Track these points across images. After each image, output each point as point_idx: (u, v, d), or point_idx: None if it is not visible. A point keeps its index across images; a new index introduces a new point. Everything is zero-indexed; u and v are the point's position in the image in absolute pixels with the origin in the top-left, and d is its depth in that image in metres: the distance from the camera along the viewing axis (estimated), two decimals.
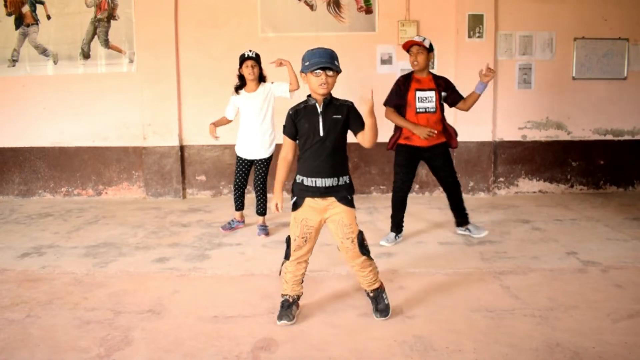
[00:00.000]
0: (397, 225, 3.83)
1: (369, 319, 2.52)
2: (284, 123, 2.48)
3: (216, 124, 4.12)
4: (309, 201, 2.43)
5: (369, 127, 2.31)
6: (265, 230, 4.10)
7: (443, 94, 3.70)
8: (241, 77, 3.96)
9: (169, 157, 5.60)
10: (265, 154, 4.03)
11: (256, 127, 3.97)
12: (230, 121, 4.16)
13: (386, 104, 3.72)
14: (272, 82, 3.99)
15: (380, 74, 5.42)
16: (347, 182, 2.45)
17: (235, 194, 4.20)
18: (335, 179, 2.41)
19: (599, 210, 4.78)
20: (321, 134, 2.39)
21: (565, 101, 5.56)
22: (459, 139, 5.36)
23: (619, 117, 5.61)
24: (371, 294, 2.55)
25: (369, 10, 5.43)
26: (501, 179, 5.64)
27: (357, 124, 2.42)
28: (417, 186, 5.56)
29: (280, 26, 5.48)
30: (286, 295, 2.55)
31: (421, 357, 2.16)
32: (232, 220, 4.21)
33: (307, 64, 2.37)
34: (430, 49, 3.62)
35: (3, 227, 4.51)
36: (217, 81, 5.20)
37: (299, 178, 2.46)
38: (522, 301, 2.70)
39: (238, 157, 4.12)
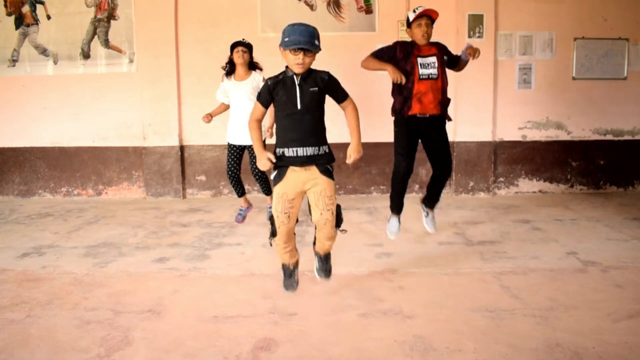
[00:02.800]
0: (399, 207, 3.70)
1: (369, 319, 2.51)
2: (259, 90, 2.49)
3: (213, 114, 4.13)
4: (290, 173, 2.44)
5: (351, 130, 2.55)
6: None
7: (445, 57, 3.54)
8: (231, 63, 3.98)
9: (169, 157, 5.60)
10: None
11: (245, 115, 3.94)
12: (227, 106, 4.14)
13: (373, 54, 3.54)
14: (263, 78, 3.98)
15: (379, 74, 5.41)
16: (327, 150, 2.50)
17: (231, 183, 4.21)
18: (316, 147, 2.43)
19: (599, 210, 4.78)
20: (299, 106, 2.40)
21: (565, 101, 5.56)
22: (459, 138, 5.45)
23: (619, 117, 5.61)
24: (322, 256, 2.64)
25: (369, 10, 5.43)
26: (501, 179, 5.64)
27: (339, 95, 2.50)
28: (417, 186, 5.56)
29: (280, 26, 5.38)
30: (285, 264, 2.62)
31: (421, 357, 2.16)
32: (242, 209, 4.23)
33: (286, 39, 2.36)
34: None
35: (3, 227, 4.51)
36: (217, 81, 5.16)
37: (278, 151, 2.47)
38: (522, 301, 2.70)
39: (229, 144, 4.13)
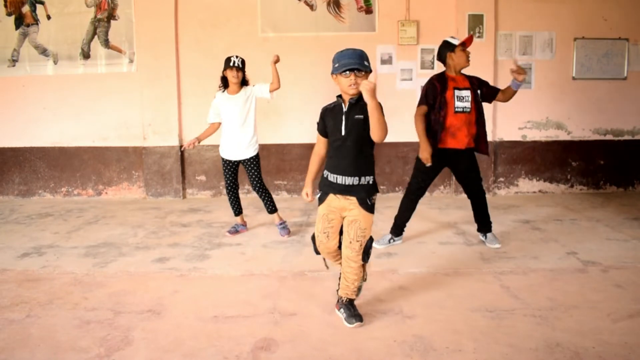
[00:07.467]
0: (398, 228, 3.75)
1: (369, 319, 2.51)
2: (317, 120, 2.54)
3: (201, 138, 4.04)
4: (330, 197, 2.48)
5: (373, 120, 2.24)
6: (285, 228, 4.07)
7: (478, 91, 3.56)
8: (224, 79, 3.96)
9: (169, 157, 5.60)
10: (250, 153, 3.98)
11: (237, 129, 3.93)
12: (218, 125, 4.07)
13: (420, 103, 3.56)
14: (253, 85, 3.96)
15: (380, 74, 5.42)
16: (370, 182, 2.46)
17: (229, 199, 4.14)
18: (357, 178, 2.42)
19: (599, 210, 4.78)
20: (342, 133, 2.43)
21: (565, 101, 5.56)
22: None
23: (619, 117, 5.61)
24: (345, 302, 2.52)
25: (369, 10, 5.43)
26: (501, 179, 5.64)
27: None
28: None
29: (280, 26, 5.48)
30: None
31: (421, 357, 2.16)
32: (237, 224, 4.20)
33: (336, 65, 2.38)
34: None
35: (3, 227, 4.51)
36: (217, 81, 5.17)
37: (325, 173, 2.52)
38: (522, 301, 2.70)
39: (223, 159, 4.07)
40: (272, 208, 4.12)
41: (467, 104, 3.51)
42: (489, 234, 3.75)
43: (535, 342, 2.25)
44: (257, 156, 4.01)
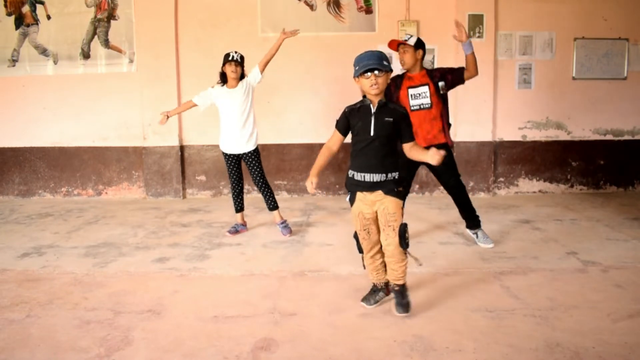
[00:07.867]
0: None
1: (369, 319, 2.52)
2: (337, 118, 2.59)
3: (170, 114, 4.09)
4: (359, 195, 2.54)
5: (420, 157, 2.52)
6: (287, 227, 4.07)
7: (441, 83, 3.53)
8: (222, 75, 3.98)
9: (169, 157, 5.60)
10: (250, 147, 3.99)
11: (237, 122, 3.94)
12: (194, 105, 4.07)
13: None
14: (246, 76, 3.99)
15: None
16: (396, 177, 2.53)
17: (233, 194, 4.15)
18: (384, 174, 2.49)
19: (599, 210, 4.78)
20: (371, 133, 2.48)
21: (565, 101, 5.56)
22: (460, 138, 5.45)
23: (619, 117, 5.61)
24: (396, 288, 2.57)
25: (369, 10, 5.43)
26: (501, 179, 5.64)
27: (406, 135, 2.55)
28: (417, 186, 5.56)
29: (280, 26, 5.42)
30: (373, 282, 2.68)
31: (421, 357, 2.16)
32: (237, 224, 4.19)
33: (357, 68, 2.47)
34: (417, 46, 3.51)
35: (3, 227, 4.51)
36: (217, 81, 5.20)
37: (350, 173, 2.57)
38: (522, 301, 2.70)
39: (224, 153, 4.09)
40: (273, 204, 4.11)
41: (426, 100, 3.52)
42: (479, 232, 3.74)
43: (535, 342, 2.25)
44: (257, 150, 4.03)
